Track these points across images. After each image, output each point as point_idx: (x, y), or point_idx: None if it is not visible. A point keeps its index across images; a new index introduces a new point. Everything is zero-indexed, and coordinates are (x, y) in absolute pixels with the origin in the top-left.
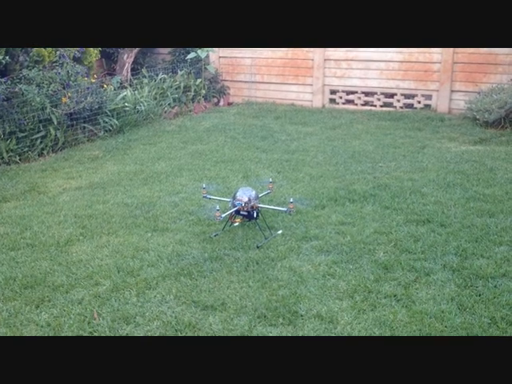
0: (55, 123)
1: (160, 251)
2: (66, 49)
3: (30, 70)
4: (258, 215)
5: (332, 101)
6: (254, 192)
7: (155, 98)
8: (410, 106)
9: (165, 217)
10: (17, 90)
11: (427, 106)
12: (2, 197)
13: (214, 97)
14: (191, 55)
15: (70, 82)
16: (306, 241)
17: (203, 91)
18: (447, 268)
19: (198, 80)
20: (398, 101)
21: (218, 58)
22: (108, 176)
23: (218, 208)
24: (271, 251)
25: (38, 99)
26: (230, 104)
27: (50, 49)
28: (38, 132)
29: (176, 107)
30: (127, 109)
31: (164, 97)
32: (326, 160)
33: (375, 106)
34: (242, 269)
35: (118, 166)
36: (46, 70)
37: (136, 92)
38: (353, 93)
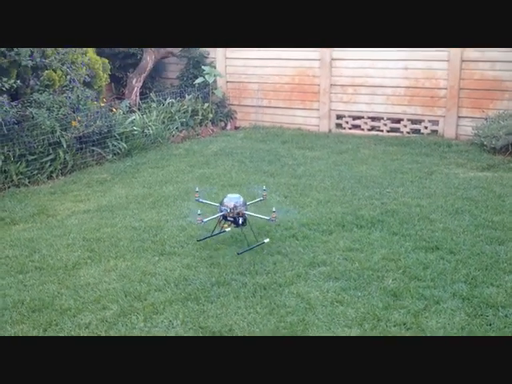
0: (64, 146)
1: (167, 275)
2: (77, 73)
3: (41, 93)
4: (244, 222)
5: (338, 125)
6: (241, 199)
7: (163, 122)
8: (417, 131)
9: (172, 241)
10: (27, 113)
11: (434, 132)
12: (11, 219)
13: (221, 121)
14: (199, 80)
15: (80, 106)
16: (313, 267)
17: (210, 115)
18: (457, 296)
19: (206, 104)
20: (405, 126)
21: (226, 82)
22: (116, 199)
23: (199, 212)
24: (279, 277)
25: (48, 123)
26: (236, 128)
27: (60, 73)
28: (48, 155)
29: (184, 131)
30: (135, 132)
31: (172, 121)
32: (333, 185)
33: (382, 131)
34: (250, 294)
35: (126, 190)
36: (57, 94)
37: (144, 116)
38: (359, 118)
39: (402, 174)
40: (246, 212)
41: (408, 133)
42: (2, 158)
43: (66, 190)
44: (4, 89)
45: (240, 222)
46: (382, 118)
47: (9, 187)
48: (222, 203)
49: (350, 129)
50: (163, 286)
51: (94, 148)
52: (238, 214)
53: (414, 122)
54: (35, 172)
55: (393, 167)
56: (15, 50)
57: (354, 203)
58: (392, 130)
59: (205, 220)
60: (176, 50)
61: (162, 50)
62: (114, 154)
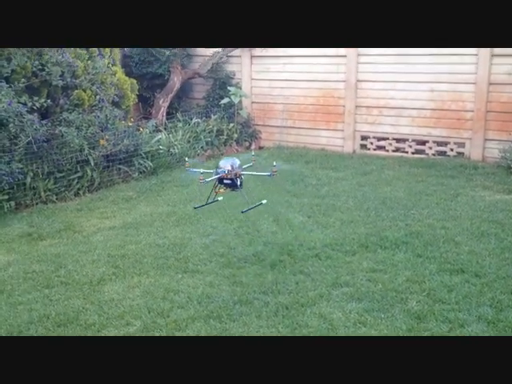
0: (92, 164)
1: (190, 293)
2: (106, 93)
3: (70, 112)
4: (241, 184)
5: (363, 146)
6: (237, 161)
7: (189, 141)
8: (443, 153)
9: (195, 258)
10: (57, 131)
11: (460, 154)
12: (38, 235)
13: (245, 141)
14: (225, 100)
15: (108, 125)
16: (336, 287)
17: (235, 135)
18: (482, 320)
19: (231, 124)
20: (430, 148)
21: (251, 103)
22: (141, 217)
23: (202, 171)
24: (301, 296)
25: (76, 141)
26: (261, 148)
27: (89, 92)
28: (76, 172)
29: (208, 150)
30: (161, 151)
31: (197, 140)
32: (357, 206)
33: (407, 152)
34: (272, 314)
35: (150, 207)
36: (86, 113)
37: (170, 135)
38: (384, 139)
39: (427, 195)
40: (244, 172)
41: (433, 155)
42: (31, 174)
43: (92, 207)
44: (35, 108)
45: (238, 183)
46: (407, 140)
47: (37, 203)
48: (218, 166)
49: (374, 150)
50: (186, 304)
51: (120, 166)
52: (236, 175)
53: (439, 144)
54: (63, 189)
55: (418, 189)
56: (46, 69)
57: (377, 224)
58: (417, 151)
59: (207, 180)
60: (203, 71)
61: (189, 71)
62: (140, 173)
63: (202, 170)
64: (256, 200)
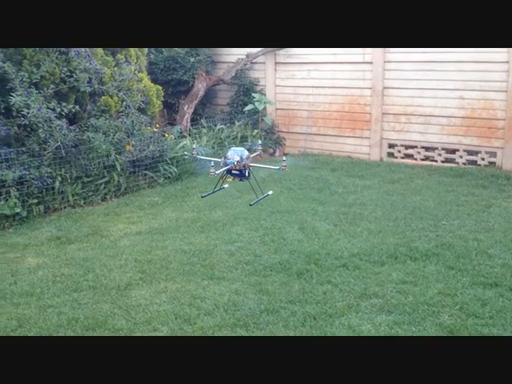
0: (119, 170)
1: (216, 300)
2: (132, 99)
3: (98, 118)
4: (249, 175)
5: (390, 154)
6: (245, 152)
7: (213, 147)
8: (474, 162)
9: (221, 265)
10: (84, 137)
11: (491, 164)
12: (66, 238)
13: (269, 147)
14: (249, 107)
15: (134, 131)
16: (365, 298)
17: (259, 141)
18: None
19: (255, 131)
20: (461, 157)
21: (275, 109)
22: (167, 222)
23: (212, 164)
24: (329, 307)
25: (103, 146)
26: (285, 155)
27: (116, 99)
28: (103, 177)
29: None
30: (186, 157)
31: (221, 146)
32: (385, 215)
33: (436, 161)
34: (299, 324)
35: (176, 213)
36: (112, 119)
37: (195, 141)
38: (412, 147)
39: (458, 206)
40: (253, 164)
41: (464, 164)
42: (60, 179)
43: (119, 212)
44: (63, 113)
45: (246, 174)
46: (437, 148)
47: (65, 207)
48: (226, 157)
49: (402, 158)
50: (212, 311)
51: (146, 172)
52: (244, 166)
53: (470, 152)
54: (90, 193)
55: (448, 199)
56: (74, 76)
57: (407, 234)
58: (447, 160)
59: (217, 172)
60: (227, 78)
61: (214, 78)
62: (165, 178)
63: (212, 163)
64: (264, 192)
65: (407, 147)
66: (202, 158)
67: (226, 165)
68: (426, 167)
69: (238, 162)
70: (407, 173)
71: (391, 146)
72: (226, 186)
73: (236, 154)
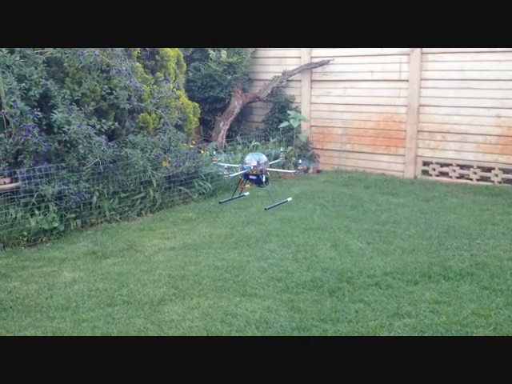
0: (154, 185)
1: (248, 317)
2: (169, 116)
3: (136, 135)
4: (267, 181)
5: (425, 172)
6: (263, 157)
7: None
8: (509, 181)
9: (253, 282)
10: (122, 153)
11: None
12: (102, 253)
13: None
14: (284, 124)
15: (171, 148)
16: (397, 318)
17: (293, 158)
18: None
19: (289, 148)
20: (496, 175)
21: (310, 126)
22: (200, 238)
23: (226, 166)
24: (361, 326)
25: (141, 162)
26: (319, 171)
27: (154, 116)
28: (139, 193)
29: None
30: (221, 173)
31: None
32: (419, 233)
33: (471, 179)
34: None
35: (209, 229)
36: (150, 136)
37: (230, 158)
38: (447, 165)
39: (493, 225)
40: (269, 169)
41: (499, 182)
42: (97, 194)
43: (153, 227)
44: (103, 130)
45: (263, 179)
46: (472, 166)
47: (101, 222)
48: (243, 162)
49: (436, 176)
50: (244, 328)
51: (181, 187)
52: (261, 171)
53: (506, 171)
54: (126, 208)
55: (483, 218)
56: (114, 93)
57: (441, 253)
58: (482, 178)
59: (231, 175)
60: (263, 95)
61: (250, 95)
62: (200, 194)
63: (226, 165)
64: (282, 198)
65: (442, 165)
66: (222, 164)
67: (242, 169)
68: (461, 185)
69: (254, 166)
70: (442, 191)
71: (426, 163)
72: (246, 193)
73: (253, 158)
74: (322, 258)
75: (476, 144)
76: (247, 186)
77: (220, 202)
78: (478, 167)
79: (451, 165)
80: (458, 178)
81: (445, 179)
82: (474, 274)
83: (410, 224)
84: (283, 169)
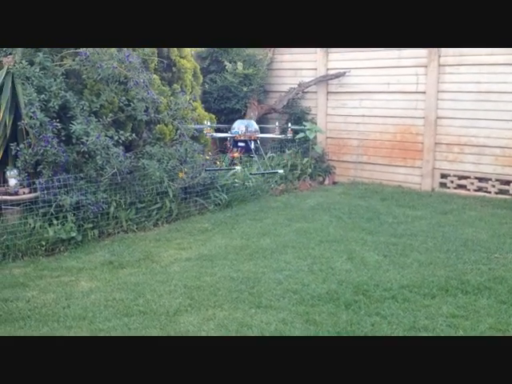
0: (171, 196)
1: (263, 329)
2: (186, 128)
3: (153, 146)
4: (257, 150)
5: (442, 185)
6: (253, 124)
7: (263, 175)
8: None
9: (268, 293)
10: (139, 164)
11: None
12: (119, 263)
13: (319, 175)
14: (300, 135)
15: (187, 159)
16: (414, 331)
17: (309, 170)
18: None
19: (305, 159)
20: None
21: (325, 138)
22: (216, 249)
23: (209, 125)
24: None
25: (157, 173)
26: (335, 183)
27: (171, 127)
28: (155, 204)
29: (282, 184)
30: (236, 185)
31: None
32: (436, 246)
33: (489, 192)
34: None
35: (225, 240)
36: (167, 147)
37: (245, 169)
38: (465, 178)
39: None
40: (260, 135)
41: None
42: (114, 204)
43: (169, 238)
44: (120, 141)
45: (252, 146)
46: (490, 179)
47: (118, 232)
48: (232, 127)
49: (454, 188)
50: None
51: (197, 198)
52: (250, 137)
53: None
54: (143, 219)
55: (502, 231)
56: (132, 105)
57: (458, 267)
58: (501, 191)
59: (214, 134)
60: (278, 107)
61: (265, 107)
62: (216, 205)
63: (208, 125)
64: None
65: (460, 177)
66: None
67: (232, 135)
68: (479, 198)
69: (242, 131)
70: (460, 204)
71: (443, 176)
72: (237, 168)
73: (242, 123)
74: (337, 271)
75: (494, 157)
76: (235, 155)
77: (206, 170)
78: (497, 180)
79: (469, 177)
80: (476, 190)
81: (463, 192)
82: (492, 288)
83: (427, 237)
84: (299, 180)
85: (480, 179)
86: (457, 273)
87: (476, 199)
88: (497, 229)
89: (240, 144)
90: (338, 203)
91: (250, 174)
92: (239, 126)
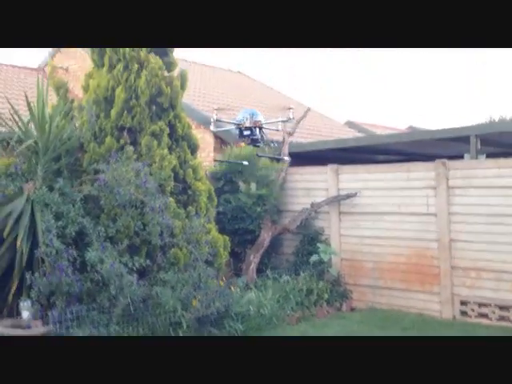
0: (184, 327)
1: None
2: (200, 252)
3: (167, 272)
4: (263, 138)
5: (463, 313)
6: (257, 112)
7: (278, 301)
8: None
9: None
10: (153, 292)
11: None
12: None
13: (336, 301)
14: (314, 258)
15: (201, 284)
16: None
17: (326, 295)
18: None
19: (321, 282)
20: None
21: (340, 259)
22: None
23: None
24: None
25: (171, 302)
26: (352, 309)
27: (185, 251)
28: (168, 335)
29: (299, 311)
30: (251, 312)
31: (287, 300)
32: None
33: None
34: None
35: None
36: (181, 273)
37: (260, 294)
38: (485, 305)
39: None
40: (265, 121)
41: None
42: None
43: None
44: (134, 268)
45: (259, 135)
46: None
47: None
48: (236, 117)
49: (476, 317)
50: None
51: (211, 329)
52: (255, 124)
53: None
54: None
55: None
56: (147, 229)
57: None
58: None
59: (223, 128)
60: (292, 227)
61: (279, 227)
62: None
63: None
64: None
65: (480, 305)
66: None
67: (237, 125)
68: (503, 329)
69: (246, 118)
70: (482, 335)
71: (463, 303)
72: (245, 163)
73: (246, 112)
74: None
75: None
76: (242, 144)
77: (215, 160)
78: None
79: (490, 305)
80: (498, 319)
81: (484, 321)
82: None
83: None
84: (315, 306)
85: (501, 307)
86: None
87: (500, 330)
88: None
89: (245, 133)
90: (356, 334)
91: (257, 154)
92: (244, 114)
